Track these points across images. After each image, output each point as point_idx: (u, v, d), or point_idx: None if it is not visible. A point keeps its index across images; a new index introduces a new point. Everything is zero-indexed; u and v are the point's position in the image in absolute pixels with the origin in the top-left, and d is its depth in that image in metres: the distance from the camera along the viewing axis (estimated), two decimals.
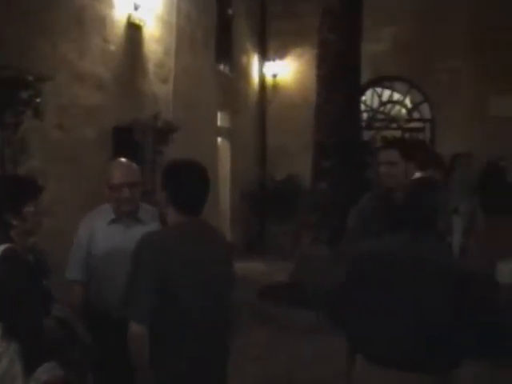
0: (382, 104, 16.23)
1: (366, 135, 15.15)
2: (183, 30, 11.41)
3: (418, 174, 7.30)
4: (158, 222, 4.24)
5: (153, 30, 10.19)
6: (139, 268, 3.22)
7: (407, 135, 16.09)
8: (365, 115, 15.78)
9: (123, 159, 4.40)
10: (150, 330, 3.16)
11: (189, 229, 3.38)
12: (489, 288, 3.81)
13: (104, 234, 4.27)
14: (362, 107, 14.93)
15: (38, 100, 6.24)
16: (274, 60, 15.76)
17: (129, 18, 9.36)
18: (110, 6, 8.93)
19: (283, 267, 10.66)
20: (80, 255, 4.30)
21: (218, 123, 13.62)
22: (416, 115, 16.30)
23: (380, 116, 16.36)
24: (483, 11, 14.41)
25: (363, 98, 15.35)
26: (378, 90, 16.20)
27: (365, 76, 11.85)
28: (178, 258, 3.25)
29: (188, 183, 3.38)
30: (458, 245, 8.29)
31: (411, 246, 3.38)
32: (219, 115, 13.65)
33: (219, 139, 13.65)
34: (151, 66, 10.24)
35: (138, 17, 9.55)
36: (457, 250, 8.03)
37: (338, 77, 9.51)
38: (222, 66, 13.92)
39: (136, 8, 9.47)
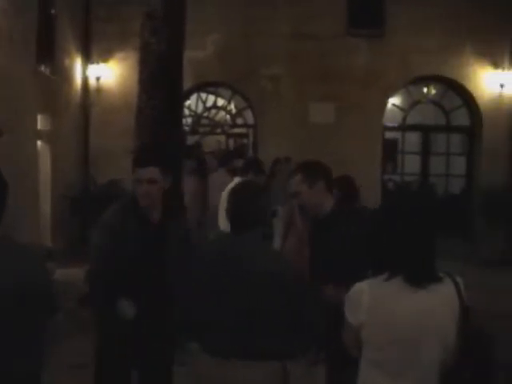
0: (207, 109, 16.39)
1: (191, 140, 15.25)
2: (0, 28, 10.99)
3: (237, 179, 7.46)
4: None
5: None
6: None
7: (231, 140, 16.39)
8: (189, 120, 15.88)
9: None
10: None
11: None
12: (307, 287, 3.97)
13: None
14: (186, 112, 15.04)
15: None
16: (97, 63, 15.51)
17: None
18: None
19: None
20: None
21: (38, 126, 13.21)
22: (240, 121, 16.61)
23: (204, 121, 16.52)
24: (303, 20, 14.93)
25: (188, 102, 15.47)
26: (203, 95, 16.35)
27: (189, 81, 11.91)
28: None
29: None
30: (279, 247, 8.50)
31: (235, 247, 3.56)
32: (39, 118, 13.24)
33: (39, 142, 13.25)
34: None
35: None
36: None
37: (159, 81, 9.44)
38: (42, 68, 13.50)
39: None
